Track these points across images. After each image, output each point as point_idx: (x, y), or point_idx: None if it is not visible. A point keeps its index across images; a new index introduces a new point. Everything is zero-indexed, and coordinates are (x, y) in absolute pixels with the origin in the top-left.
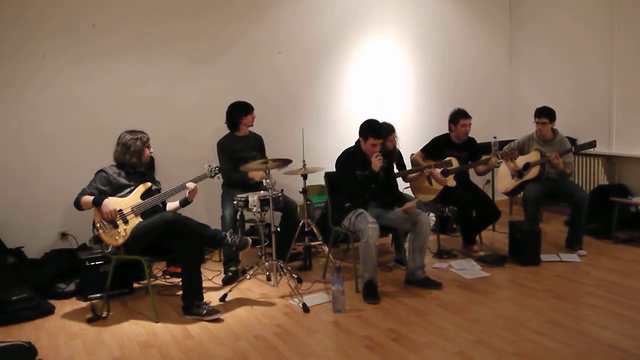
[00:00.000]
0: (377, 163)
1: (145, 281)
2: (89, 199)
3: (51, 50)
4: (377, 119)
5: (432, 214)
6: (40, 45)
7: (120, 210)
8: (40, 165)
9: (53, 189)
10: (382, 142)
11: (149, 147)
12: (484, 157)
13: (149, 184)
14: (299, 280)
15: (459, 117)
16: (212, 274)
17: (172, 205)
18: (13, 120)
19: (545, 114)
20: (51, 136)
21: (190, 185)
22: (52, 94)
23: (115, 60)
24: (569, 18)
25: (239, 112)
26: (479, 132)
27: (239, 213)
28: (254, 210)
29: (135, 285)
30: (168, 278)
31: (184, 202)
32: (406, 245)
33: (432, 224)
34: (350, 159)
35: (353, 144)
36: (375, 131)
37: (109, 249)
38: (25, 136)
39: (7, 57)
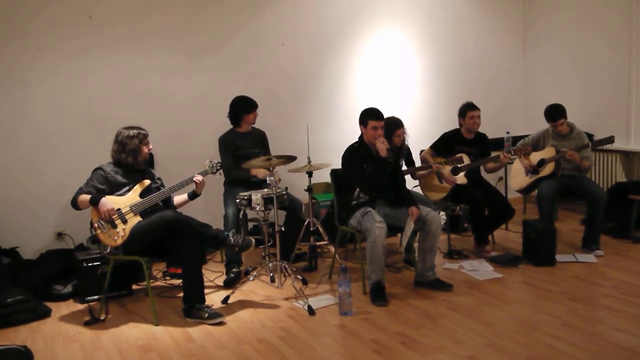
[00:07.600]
0: (382, 147)
1: (145, 283)
2: (86, 197)
3: (47, 43)
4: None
5: (442, 213)
6: (35, 38)
7: (119, 209)
8: (36, 162)
9: (49, 186)
10: (383, 125)
11: (147, 144)
12: (493, 154)
13: (147, 181)
14: (304, 282)
15: (466, 109)
16: (213, 275)
17: (180, 198)
18: (7, 115)
19: (562, 114)
20: (47, 132)
21: (198, 178)
22: (48, 88)
23: (113, 54)
24: (585, 9)
25: (240, 109)
26: (492, 127)
27: (241, 212)
28: (257, 209)
29: (135, 287)
30: (168, 279)
31: (193, 195)
32: (415, 245)
33: (442, 223)
34: (356, 152)
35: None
36: (374, 113)
37: (107, 250)
38: (20, 132)
39: (0, 50)
